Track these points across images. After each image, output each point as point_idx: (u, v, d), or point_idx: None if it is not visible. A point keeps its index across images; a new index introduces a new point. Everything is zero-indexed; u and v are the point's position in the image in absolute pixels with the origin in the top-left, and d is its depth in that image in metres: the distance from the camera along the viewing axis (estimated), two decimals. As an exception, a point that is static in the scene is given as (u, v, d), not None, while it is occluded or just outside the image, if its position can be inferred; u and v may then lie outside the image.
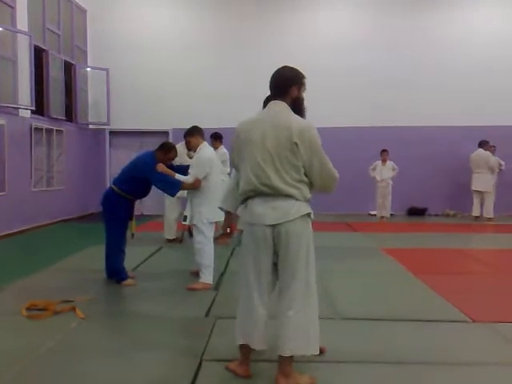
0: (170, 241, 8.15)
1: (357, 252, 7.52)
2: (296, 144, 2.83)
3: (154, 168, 5.31)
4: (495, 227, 10.46)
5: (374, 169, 11.51)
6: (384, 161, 11.41)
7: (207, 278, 5.30)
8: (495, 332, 3.91)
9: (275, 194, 2.88)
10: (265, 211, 2.90)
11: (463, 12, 12.44)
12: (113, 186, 5.50)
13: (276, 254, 2.93)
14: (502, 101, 12.00)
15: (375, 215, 11.80)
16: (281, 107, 2.96)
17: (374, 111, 12.26)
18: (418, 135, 12.28)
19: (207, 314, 4.35)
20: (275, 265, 2.97)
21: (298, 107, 3.01)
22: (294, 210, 2.88)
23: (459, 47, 12.35)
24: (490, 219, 11.09)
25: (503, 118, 11.93)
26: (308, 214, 2.94)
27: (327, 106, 11.93)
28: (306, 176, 2.92)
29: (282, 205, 2.88)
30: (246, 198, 3.02)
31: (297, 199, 2.89)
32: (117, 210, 5.39)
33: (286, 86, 2.99)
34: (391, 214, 11.75)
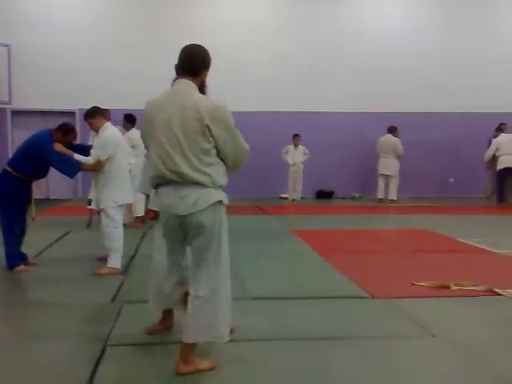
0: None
1: (267, 234, 7.67)
2: (208, 126, 2.74)
3: (51, 147, 5.05)
4: (398, 208, 11.05)
5: (286, 153, 11.74)
6: (296, 145, 11.67)
7: (115, 262, 5.19)
8: (392, 307, 4.14)
9: (183, 181, 2.78)
10: (174, 201, 2.82)
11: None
12: (7, 167, 5.19)
13: (188, 241, 2.92)
14: (407, 88, 12.57)
15: (287, 198, 12.06)
16: (188, 86, 2.85)
17: (286, 96, 12.44)
18: (327, 121, 12.63)
19: (113, 300, 4.27)
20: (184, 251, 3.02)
21: (202, 92, 2.93)
22: (204, 199, 2.80)
23: (370, 35, 12.77)
24: (393, 201, 11.69)
25: (408, 105, 12.53)
26: (220, 202, 2.87)
27: (239, 90, 11.94)
28: (219, 157, 2.84)
29: (191, 194, 2.78)
30: (156, 184, 2.93)
31: (207, 187, 2.80)
32: (11, 193, 5.11)
33: (199, 67, 2.90)
34: (302, 197, 12.06)
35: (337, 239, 7.34)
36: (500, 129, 11.41)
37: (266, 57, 12.46)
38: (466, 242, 6.87)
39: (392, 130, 11.76)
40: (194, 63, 2.89)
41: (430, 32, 12.81)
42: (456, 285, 4.63)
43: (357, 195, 12.80)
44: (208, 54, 2.96)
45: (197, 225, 2.82)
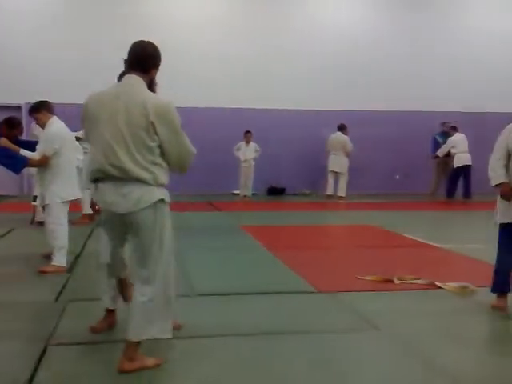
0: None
1: (217, 230, 7.68)
2: (152, 123, 2.70)
3: None
4: (346, 205, 11.28)
5: (238, 149, 11.79)
6: (247, 142, 11.73)
7: (60, 260, 5.07)
8: (338, 301, 4.22)
9: (125, 177, 2.74)
10: (115, 199, 2.77)
11: None
12: None
13: (129, 239, 2.90)
14: (355, 86, 12.82)
15: (238, 194, 12.10)
16: (136, 82, 2.81)
17: (240, 93, 12.45)
18: (279, 118, 12.72)
19: (57, 298, 4.17)
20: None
21: (151, 89, 2.90)
22: (146, 198, 2.76)
23: (322, 34, 12.94)
24: (341, 197, 11.91)
25: (356, 102, 12.78)
26: (161, 200, 2.82)
27: (191, 87, 11.91)
28: (163, 157, 2.81)
29: (133, 192, 2.74)
30: (95, 179, 2.87)
31: (149, 184, 2.76)
32: None
33: (150, 64, 2.87)
34: (253, 194, 12.13)
35: (286, 235, 7.43)
36: (454, 128, 11.78)
37: (219, 54, 12.43)
38: (411, 236, 7.08)
39: (341, 128, 11.98)
40: (144, 60, 2.86)
41: (377, 31, 13.08)
42: (399, 279, 4.78)
43: (307, 192, 12.98)
44: (159, 51, 2.93)
45: (138, 223, 2.79)
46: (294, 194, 12.93)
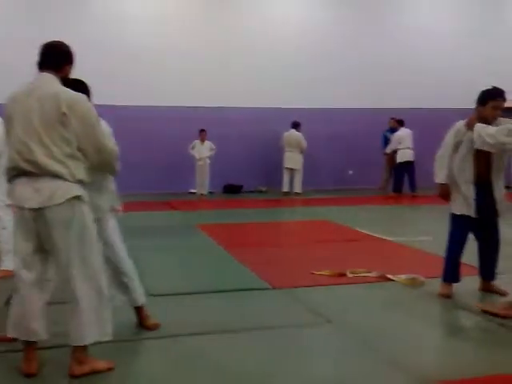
0: None
1: (173, 230, 7.62)
2: (65, 114, 2.65)
3: None
4: (302, 201, 11.40)
5: (193, 147, 11.73)
6: (202, 140, 11.68)
7: (8, 264, 4.91)
8: (292, 296, 4.27)
9: (40, 172, 2.66)
10: (27, 193, 2.68)
11: None
12: None
13: (43, 241, 2.75)
14: (309, 83, 12.95)
15: (195, 193, 12.04)
16: (49, 79, 2.79)
17: (195, 91, 12.38)
18: (234, 116, 12.73)
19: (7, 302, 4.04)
20: (46, 252, 2.81)
21: (79, 87, 2.90)
22: (60, 192, 2.67)
23: (273, 32, 13.00)
24: (298, 194, 12.03)
25: (309, 100, 12.92)
26: (78, 197, 2.73)
27: (147, 85, 11.82)
28: (80, 151, 2.74)
29: (47, 186, 2.66)
30: (11, 177, 2.79)
31: (65, 179, 2.67)
32: None
33: (62, 62, 2.86)
34: (210, 192, 12.09)
35: (242, 233, 7.45)
36: (400, 123, 12.03)
37: (175, 51, 12.34)
38: (363, 231, 7.22)
39: (296, 125, 12.08)
40: (55, 57, 2.85)
41: (325, 30, 13.27)
42: (352, 272, 4.88)
43: (264, 189, 13.03)
44: (70, 49, 2.93)
45: (52, 220, 2.68)
46: (251, 192, 12.96)
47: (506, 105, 4.08)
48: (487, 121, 3.90)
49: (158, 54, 12.22)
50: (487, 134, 3.76)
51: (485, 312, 3.71)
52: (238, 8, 12.94)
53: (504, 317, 3.59)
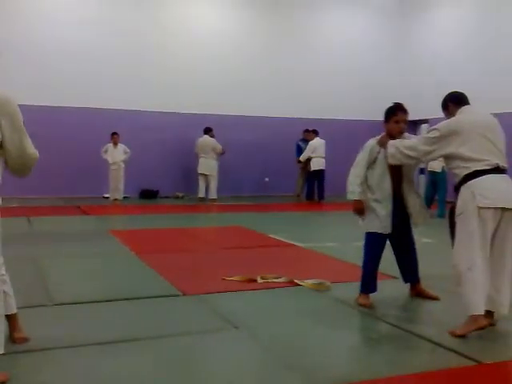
0: None
1: (84, 235, 7.41)
2: None
3: None
4: (218, 207, 11.46)
5: (105, 151, 11.44)
6: (115, 143, 11.42)
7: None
8: (202, 303, 4.28)
9: None
10: None
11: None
12: None
13: None
14: (226, 89, 13.06)
15: (109, 198, 11.76)
16: None
17: (106, 93, 12.13)
18: (151, 120, 12.59)
19: None
20: None
21: None
22: None
23: (191, 36, 13.01)
24: (213, 200, 12.08)
25: (227, 107, 13.03)
26: None
27: (59, 85, 11.45)
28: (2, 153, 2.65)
29: None
30: None
31: None
32: None
33: None
34: (125, 197, 11.85)
35: (156, 239, 7.37)
36: (315, 132, 12.44)
37: (88, 53, 12.04)
38: (276, 237, 7.39)
39: (208, 131, 12.14)
40: None
41: (248, 35, 13.47)
42: (262, 278, 4.98)
43: (180, 194, 12.97)
44: None
45: None
46: (167, 197, 12.86)
47: (411, 118, 4.29)
48: (393, 136, 4.08)
49: (69, 54, 11.88)
50: (405, 147, 3.87)
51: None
52: (151, 8, 12.81)
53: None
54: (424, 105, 10.27)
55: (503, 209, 3.49)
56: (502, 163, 3.59)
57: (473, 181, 3.53)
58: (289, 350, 3.31)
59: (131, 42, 12.45)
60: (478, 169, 3.53)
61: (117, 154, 11.41)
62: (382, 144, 4.12)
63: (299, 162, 12.55)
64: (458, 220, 3.62)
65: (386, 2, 14.64)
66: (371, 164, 4.21)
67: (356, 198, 4.24)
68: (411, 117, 4.42)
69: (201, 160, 12.14)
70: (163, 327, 3.72)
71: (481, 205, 3.46)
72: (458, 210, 3.63)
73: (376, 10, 14.58)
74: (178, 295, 4.50)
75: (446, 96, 3.91)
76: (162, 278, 5.00)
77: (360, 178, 4.22)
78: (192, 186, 12.56)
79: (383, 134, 4.23)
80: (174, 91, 12.66)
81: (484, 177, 3.51)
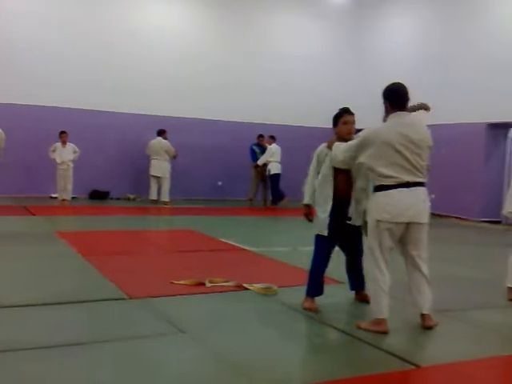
0: None
1: (29, 236, 7.20)
2: None
3: None
4: (170, 210, 11.35)
5: (53, 150, 11.15)
6: (64, 142, 11.15)
7: None
8: (149, 307, 4.22)
9: None
10: None
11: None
12: None
13: None
14: (180, 92, 12.99)
15: (57, 198, 11.46)
16: None
17: (57, 91, 11.85)
18: (104, 120, 12.37)
19: None
20: None
21: None
22: None
23: (141, 36, 12.87)
24: (165, 203, 11.96)
25: (182, 109, 12.96)
26: None
27: (5, 82, 11.14)
28: None
29: None
30: None
31: None
32: None
33: None
34: (73, 197, 11.58)
35: (104, 240, 7.24)
36: (273, 138, 12.54)
37: (33, 49, 11.73)
38: (227, 241, 7.39)
39: (161, 133, 12.03)
40: None
41: (206, 39, 13.46)
42: (210, 281, 4.97)
43: (132, 196, 12.78)
44: None
45: None
46: (118, 199, 12.64)
47: (358, 127, 4.40)
48: (344, 139, 4.18)
49: (13, 50, 11.56)
50: (339, 151, 4.04)
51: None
52: (96, 6, 12.62)
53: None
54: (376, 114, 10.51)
55: (408, 222, 3.75)
56: (415, 178, 3.75)
57: (381, 193, 3.76)
58: (234, 354, 3.31)
59: (79, 41, 12.23)
60: (386, 184, 3.74)
61: (65, 154, 11.13)
62: (330, 146, 4.23)
63: (256, 166, 12.60)
64: (368, 228, 3.90)
65: (340, 12, 14.91)
66: (320, 167, 4.31)
67: (304, 202, 4.37)
68: (363, 125, 4.52)
69: (153, 162, 12.00)
70: (109, 331, 3.66)
71: (383, 219, 3.72)
72: (368, 219, 3.92)
73: (330, 19, 14.82)
74: (124, 299, 4.43)
75: (387, 89, 3.93)
76: (108, 281, 4.91)
77: (312, 181, 4.34)
78: (144, 188, 12.40)
79: (333, 137, 4.32)
80: (126, 91, 12.48)
81: (390, 191, 3.72)
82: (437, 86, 11.81)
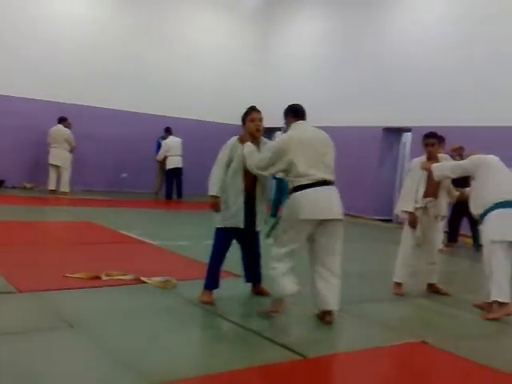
0: None
1: None
2: None
3: None
4: (69, 201, 10.89)
5: None
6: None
7: None
8: (39, 300, 4.05)
9: None
10: None
11: None
12: None
13: None
14: (88, 85, 12.52)
15: None
16: None
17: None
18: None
19: None
20: None
21: None
22: None
23: (81, 23, 12.29)
24: (65, 193, 11.46)
25: (85, 96, 12.48)
26: None
27: None
28: None
29: None
30: None
31: None
32: None
33: None
34: (-38, 185, 10.79)
35: (-5, 231, 6.83)
36: (169, 131, 12.39)
37: None
38: (128, 234, 7.24)
39: (62, 121, 11.52)
40: None
41: (114, 28, 13.06)
42: (107, 275, 4.85)
43: (29, 185, 12.11)
44: None
45: None
46: (14, 188, 11.93)
47: (270, 125, 4.54)
48: (253, 135, 4.32)
49: None
50: (253, 161, 4.15)
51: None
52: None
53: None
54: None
55: (323, 219, 3.94)
56: (328, 177, 4.01)
57: (298, 193, 3.94)
58: (125, 349, 3.26)
59: (24, 30, 11.57)
60: (304, 183, 3.92)
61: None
62: (242, 141, 4.31)
63: (157, 160, 12.43)
64: (281, 225, 4.06)
65: (252, 9, 15.06)
66: (230, 161, 4.36)
67: (213, 193, 4.36)
68: (270, 124, 4.65)
69: (52, 150, 11.44)
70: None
71: (300, 217, 3.89)
72: (283, 217, 4.07)
73: (242, 16, 14.92)
74: (11, 292, 4.21)
75: (288, 107, 4.29)
76: (-5, 274, 4.64)
77: (220, 173, 4.35)
78: (42, 178, 11.79)
79: (244, 132, 4.41)
80: (25, 74, 11.80)
81: (308, 190, 3.92)
82: (335, 90, 12.34)
